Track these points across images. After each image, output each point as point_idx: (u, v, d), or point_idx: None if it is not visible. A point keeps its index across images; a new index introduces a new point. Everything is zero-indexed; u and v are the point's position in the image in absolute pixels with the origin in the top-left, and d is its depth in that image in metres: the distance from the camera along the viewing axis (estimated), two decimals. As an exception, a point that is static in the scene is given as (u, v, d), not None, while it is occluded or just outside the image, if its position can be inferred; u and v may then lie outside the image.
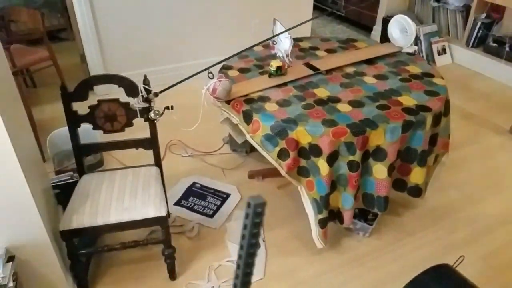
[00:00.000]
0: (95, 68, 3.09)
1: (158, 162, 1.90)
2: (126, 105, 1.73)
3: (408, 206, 2.17)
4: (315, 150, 1.62)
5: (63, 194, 1.97)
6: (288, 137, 1.64)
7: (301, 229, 2.00)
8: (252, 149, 2.55)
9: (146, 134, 1.78)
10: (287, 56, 2.13)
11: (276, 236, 1.98)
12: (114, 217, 1.59)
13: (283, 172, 1.71)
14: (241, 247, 0.33)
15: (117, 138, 1.80)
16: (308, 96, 1.85)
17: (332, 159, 1.62)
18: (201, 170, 2.44)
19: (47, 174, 1.93)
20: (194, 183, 2.33)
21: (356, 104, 1.76)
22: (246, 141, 2.46)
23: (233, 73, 2.11)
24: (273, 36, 2.14)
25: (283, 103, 1.80)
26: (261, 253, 1.88)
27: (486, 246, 1.95)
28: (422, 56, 3.71)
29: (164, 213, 1.62)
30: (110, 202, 1.64)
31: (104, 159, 2.47)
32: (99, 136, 2.34)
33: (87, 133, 1.95)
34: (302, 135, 1.62)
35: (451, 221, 2.09)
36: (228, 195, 2.23)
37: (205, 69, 1.86)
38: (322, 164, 1.62)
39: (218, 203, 2.19)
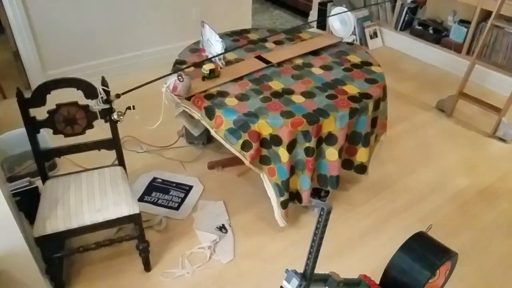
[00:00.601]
0: (32, 65, 2.99)
1: (121, 162, 1.99)
2: (85, 108, 1.79)
3: (353, 181, 2.48)
4: (275, 140, 1.83)
5: (23, 201, 1.98)
6: (250, 130, 1.82)
7: (263, 211, 2.22)
8: (209, 140, 2.70)
9: (101, 134, 1.85)
10: (219, 59, 2.22)
11: (241, 219, 2.18)
12: (88, 219, 1.68)
13: (247, 162, 1.90)
14: (314, 235, 0.50)
15: (70, 142, 1.84)
16: (264, 89, 2.04)
17: (291, 147, 1.84)
18: (159, 165, 2.54)
19: (5, 180, 1.93)
20: (155, 178, 2.44)
21: (308, 95, 1.99)
22: (202, 133, 2.61)
23: (188, 68, 2.22)
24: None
25: (242, 97, 1.97)
26: (229, 236, 2.08)
27: (421, 210, 2.32)
28: (356, 40, 4.06)
29: (137, 211, 1.74)
30: (82, 205, 1.72)
31: (57, 161, 2.48)
32: (49, 139, 2.34)
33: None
34: (263, 127, 1.81)
35: (391, 191, 2.44)
36: (190, 187, 2.38)
37: (170, 74, 1.95)
38: (282, 152, 1.84)
39: (182, 195, 2.33)
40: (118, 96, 1.77)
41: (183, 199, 2.30)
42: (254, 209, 2.24)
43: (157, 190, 2.35)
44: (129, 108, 1.82)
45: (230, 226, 2.13)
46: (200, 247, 2.02)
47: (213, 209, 2.23)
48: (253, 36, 2.58)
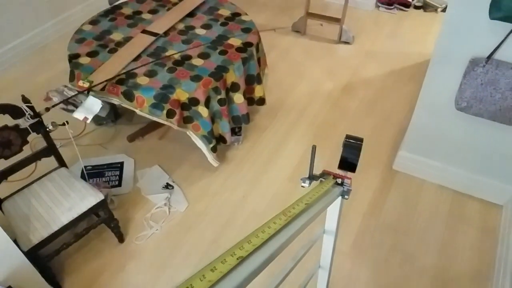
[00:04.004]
0: None
1: (62, 163, 2.26)
2: (16, 128, 2.00)
3: (256, 112, 3.12)
4: (194, 102, 2.30)
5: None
6: (171, 100, 2.25)
7: (195, 160, 2.74)
8: (117, 116, 3.00)
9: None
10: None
11: (180, 173, 2.68)
12: (65, 219, 2.00)
13: (174, 127, 2.35)
14: (311, 159, 0.99)
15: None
16: (165, 60, 2.43)
17: (207, 102, 2.34)
18: (81, 154, 2.76)
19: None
20: (84, 167, 2.71)
21: (204, 56, 2.46)
22: (109, 112, 2.90)
23: (84, 60, 2.45)
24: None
25: (150, 74, 2.34)
26: (177, 190, 2.58)
27: (308, 116, 3.11)
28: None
29: (102, 196, 2.11)
30: (52, 210, 2.02)
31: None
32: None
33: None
34: (181, 94, 2.26)
35: (283, 110, 3.16)
36: (122, 163, 2.74)
37: (67, 99, 2.18)
38: (202, 109, 2.33)
39: (118, 172, 2.69)
40: (47, 109, 2.01)
41: (120, 176, 2.67)
42: (187, 161, 2.75)
43: (93, 176, 2.66)
44: (63, 124, 2.08)
45: (173, 182, 2.62)
46: (157, 207, 2.49)
47: (152, 174, 2.67)
48: (126, 10, 2.83)
